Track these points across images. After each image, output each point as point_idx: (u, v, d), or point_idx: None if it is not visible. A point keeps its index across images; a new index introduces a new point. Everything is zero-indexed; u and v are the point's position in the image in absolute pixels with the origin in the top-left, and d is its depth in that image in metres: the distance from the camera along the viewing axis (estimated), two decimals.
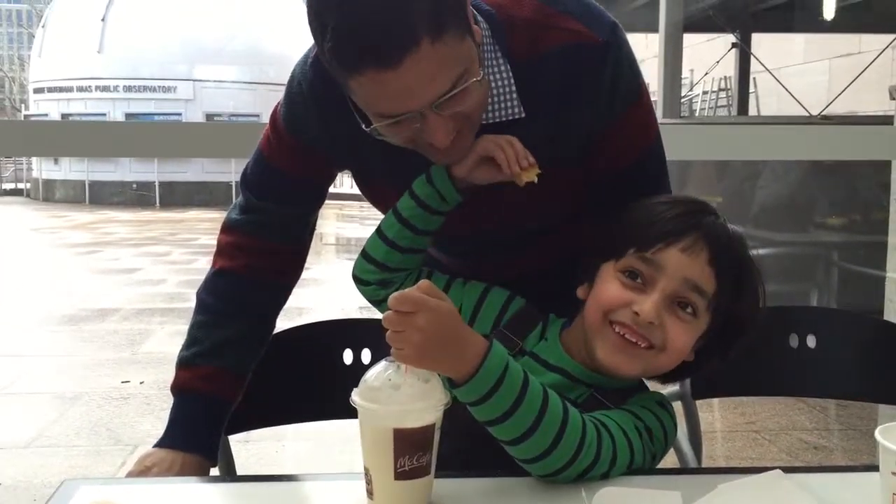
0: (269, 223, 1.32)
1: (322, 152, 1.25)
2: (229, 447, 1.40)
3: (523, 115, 1.14)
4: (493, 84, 1.13)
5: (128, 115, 22.65)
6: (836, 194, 4.68)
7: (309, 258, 1.37)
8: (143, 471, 1.20)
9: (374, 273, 1.24)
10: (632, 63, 1.17)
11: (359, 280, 1.27)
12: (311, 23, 1.01)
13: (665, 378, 1.18)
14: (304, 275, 1.40)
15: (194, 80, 23.47)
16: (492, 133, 1.13)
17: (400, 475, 0.92)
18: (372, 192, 1.30)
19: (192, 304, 1.36)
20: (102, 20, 23.14)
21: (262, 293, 1.34)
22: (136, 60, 22.91)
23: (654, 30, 12.19)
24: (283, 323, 1.44)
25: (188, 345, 1.31)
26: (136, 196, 21.35)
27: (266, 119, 1.31)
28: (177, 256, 11.62)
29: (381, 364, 0.94)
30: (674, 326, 1.06)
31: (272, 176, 1.29)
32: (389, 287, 1.23)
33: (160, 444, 1.25)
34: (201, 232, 14.78)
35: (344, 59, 0.98)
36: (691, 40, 10.67)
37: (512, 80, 1.13)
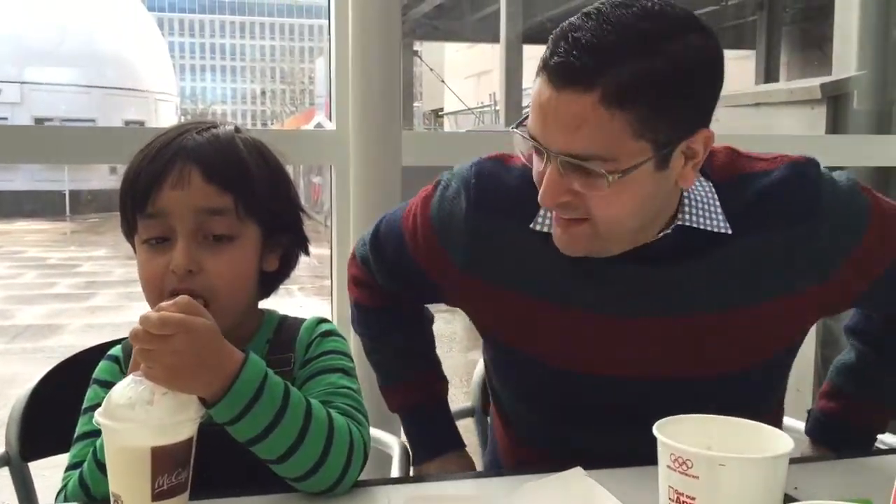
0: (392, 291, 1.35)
1: (457, 256, 1.17)
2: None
3: (729, 231, 1.07)
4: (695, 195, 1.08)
5: None
6: None
7: None
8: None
9: None
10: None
11: None
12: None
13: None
14: None
15: (22, 83, 22.05)
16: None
17: (158, 496, 0.84)
18: (501, 307, 1.17)
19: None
20: None
21: (408, 316, 1.41)
22: None
23: (497, 41, 12.57)
24: None
25: (383, 378, 1.41)
26: None
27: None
28: (1, 271, 10.86)
29: (129, 379, 0.87)
30: (216, 262, 0.99)
31: (403, 265, 1.26)
32: None
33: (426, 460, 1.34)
34: (30, 244, 13.91)
35: (549, 52, 0.97)
36: (533, 52, 11.04)
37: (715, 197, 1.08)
